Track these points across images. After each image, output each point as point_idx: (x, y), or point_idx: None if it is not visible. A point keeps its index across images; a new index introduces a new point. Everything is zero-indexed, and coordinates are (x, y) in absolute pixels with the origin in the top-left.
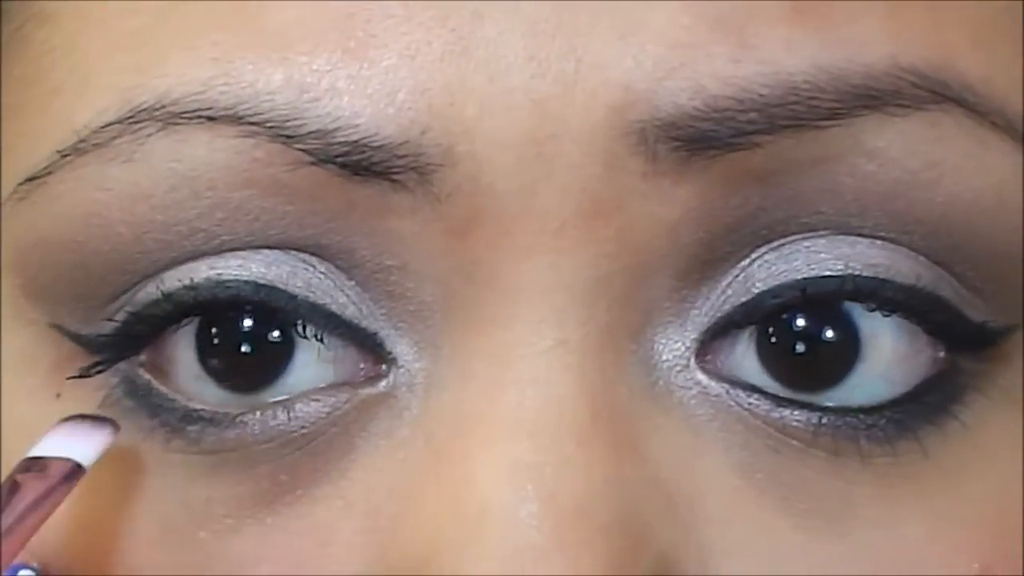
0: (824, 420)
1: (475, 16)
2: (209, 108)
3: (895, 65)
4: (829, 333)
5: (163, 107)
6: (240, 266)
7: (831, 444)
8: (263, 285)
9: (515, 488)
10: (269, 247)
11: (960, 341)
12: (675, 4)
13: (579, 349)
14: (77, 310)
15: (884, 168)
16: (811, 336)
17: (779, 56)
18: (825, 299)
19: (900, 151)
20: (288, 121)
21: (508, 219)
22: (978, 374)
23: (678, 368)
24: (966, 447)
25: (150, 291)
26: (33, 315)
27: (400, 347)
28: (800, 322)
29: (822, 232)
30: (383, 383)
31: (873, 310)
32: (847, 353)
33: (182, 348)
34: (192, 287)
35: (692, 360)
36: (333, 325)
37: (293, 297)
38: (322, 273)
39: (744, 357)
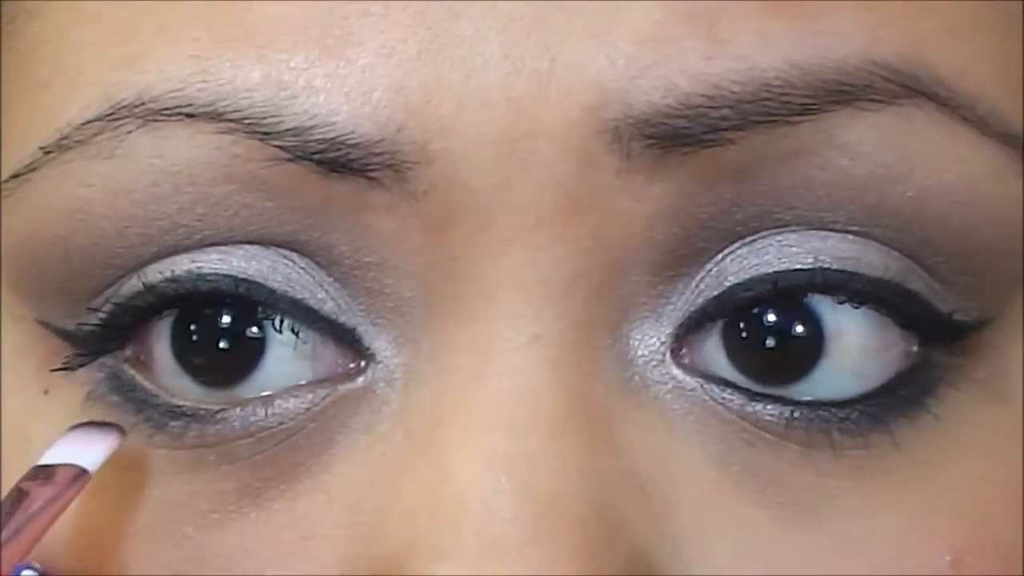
0: (796, 414)
1: (451, 14)
2: (188, 105)
3: (867, 60)
4: (798, 328)
5: (143, 104)
6: (220, 260)
7: (804, 437)
8: (243, 279)
9: (491, 480)
10: (249, 242)
11: (933, 334)
12: (648, 1)
13: (555, 343)
14: (63, 305)
15: (856, 162)
16: (779, 330)
17: (752, 52)
18: (795, 292)
19: (872, 145)
20: (266, 118)
21: (485, 215)
22: (952, 367)
23: (653, 363)
24: (939, 439)
25: (133, 284)
26: (22, 311)
27: (379, 342)
28: (770, 317)
29: (794, 227)
30: (362, 378)
31: (843, 302)
32: (813, 347)
33: (161, 344)
34: (173, 279)
35: (667, 355)
36: (311, 320)
37: (272, 292)
38: (302, 268)
39: (715, 352)
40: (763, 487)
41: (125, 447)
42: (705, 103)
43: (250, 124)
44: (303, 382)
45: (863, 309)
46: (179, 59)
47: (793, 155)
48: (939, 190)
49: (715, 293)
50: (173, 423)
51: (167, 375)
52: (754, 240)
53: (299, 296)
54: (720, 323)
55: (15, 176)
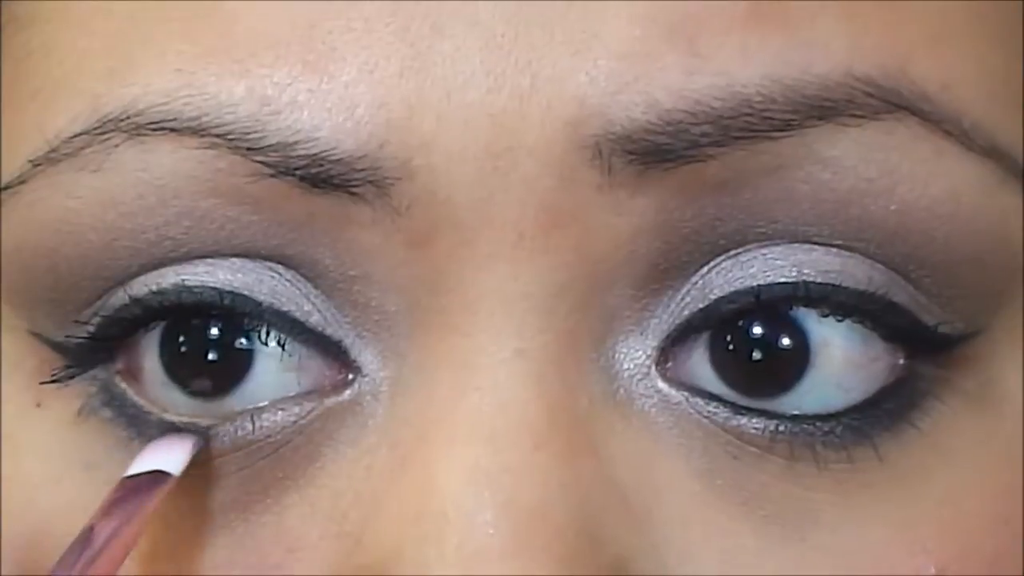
0: (781, 427)
1: (433, 31)
2: (173, 119)
3: (849, 75)
4: (784, 340)
5: (128, 117)
6: (207, 273)
7: (788, 451)
8: (228, 292)
9: (473, 493)
10: (235, 255)
11: (918, 347)
12: (628, 15)
13: (538, 357)
14: (53, 316)
15: (839, 176)
16: (765, 343)
17: (732, 67)
18: (779, 305)
19: (855, 160)
20: (249, 133)
21: (467, 230)
22: (937, 380)
23: (639, 376)
24: (923, 452)
25: (119, 296)
26: (14, 322)
27: (365, 355)
28: (756, 329)
29: (778, 240)
30: (348, 392)
31: (826, 315)
32: (798, 359)
33: (150, 355)
34: (159, 292)
35: (653, 368)
36: (297, 332)
37: (258, 304)
38: (287, 281)
39: (700, 365)
40: (747, 500)
41: (114, 464)
42: (686, 119)
43: (233, 139)
44: (291, 394)
45: (847, 322)
46: (164, 72)
47: (775, 170)
48: (923, 204)
49: (700, 306)
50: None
51: (156, 386)
52: (739, 253)
53: (285, 308)
54: (705, 336)
55: (5, 188)
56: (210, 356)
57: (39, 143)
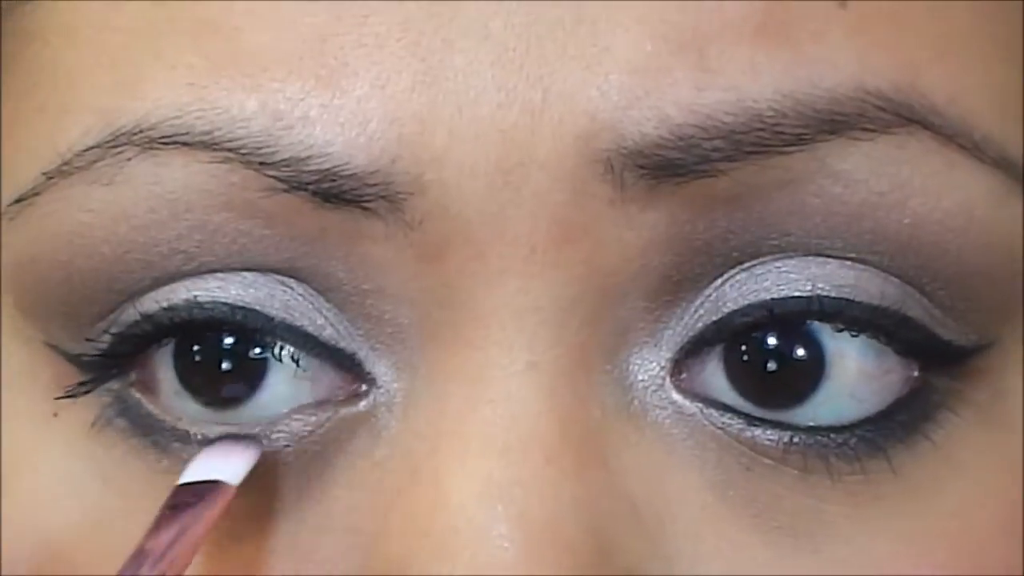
0: (795, 439)
1: (445, 45)
2: (186, 133)
3: (860, 89)
4: (798, 352)
5: (141, 131)
6: (219, 287)
7: (801, 462)
8: (240, 307)
9: (485, 506)
10: (247, 269)
11: (932, 360)
12: (638, 30)
13: (550, 370)
14: (67, 328)
15: (851, 190)
16: (779, 354)
17: (743, 82)
18: (792, 318)
19: (866, 173)
20: (261, 148)
21: (479, 244)
22: (951, 392)
23: (653, 388)
24: (936, 465)
25: (130, 313)
26: (30, 333)
27: (379, 367)
28: (770, 341)
29: (791, 253)
30: (363, 403)
31: (840, 330)
32: (813, 371)
33: (164, 366)
34: (170, 308)
35: (667, 379)
36: (310, 346)
37: (270, 319)
38: (300, 295)
39: (714, 376)
40: (760, 512)
41: (129, 474)
42: (697, 134)
43: (246, 154)
44: (305, 403)
45: (861, 338)
46: (176, 87)
47: (787, 184)
48: (935, 216)
49: (714, 319)
50: (180, 448)
51: (171, 396)
52: (753, 266)
53: (298, 323)
54: (719, 347)
55: (18, 200)
56: (224, 366)
57: (51, 156)
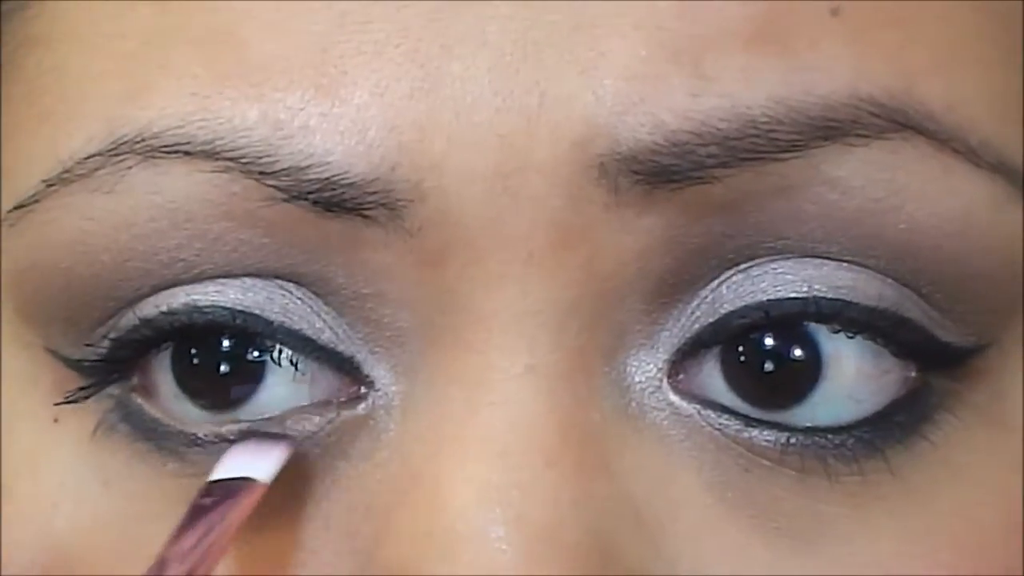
0: (792, 440)
1: (443, 52)
2: (187, 143)
3: (854, 96)
4: (796, 352)
5: (143, 140)
6: (218, 292)
7: (799, 463)
8: (240, 311)
9: (484, 510)
10: (247, 275)
11: (930, 361)
12: (634, 36)
13: (549, 373)
14: (67, 334)
15: (846, 196)
16: (776, 354)
17: (737, 89)
18: (789, 320)
19: (862, 179)
20: (262, 157)
21: (478, 250)
22: (949, 393)
23: (650, 389)
24: (934, 465)
25: (129, 318)
26: (30, 338)
27: (378, 371)
28: (768, 341)
29: (788, 255)
30: (362, 406)
31: (837, 332)
32: (811, 372)
33: (162, 370)
34: (169, 312)
35: (664, 381)
36: (310, 350)
37: (269, 323)
38: (299, 299)
39: (711, 377)
40: (758, 513)
41: (133, 479)
42: (692, 140)
43: (247, 164)
44: (305, 404)
45: (858, 339)
46: (179, 96)
47: (782, 191)
48: (932, 221)
49: (710, 320)
50: (182, 448)
51: (170, 400)
52: (749, 267)
53: (297, 327)
54: (717, 349)
55: (19, 207)
56: (222, 369)
57: (52, 163)
